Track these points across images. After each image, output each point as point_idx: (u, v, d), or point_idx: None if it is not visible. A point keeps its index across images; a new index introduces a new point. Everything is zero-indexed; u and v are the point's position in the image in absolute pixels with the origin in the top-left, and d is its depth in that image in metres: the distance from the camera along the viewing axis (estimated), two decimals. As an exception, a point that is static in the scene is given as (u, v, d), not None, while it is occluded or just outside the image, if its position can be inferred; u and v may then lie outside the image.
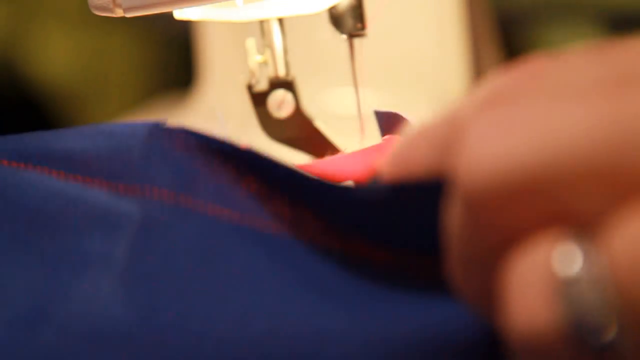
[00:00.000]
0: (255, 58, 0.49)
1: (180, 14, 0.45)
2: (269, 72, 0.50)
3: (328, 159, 0.46)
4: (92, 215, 0.34)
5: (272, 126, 0.50)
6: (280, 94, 0.50)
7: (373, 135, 0.52)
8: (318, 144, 0.50)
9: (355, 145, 0.50)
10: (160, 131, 0.35)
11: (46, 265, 0.33)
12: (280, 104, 0.50)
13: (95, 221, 0.34)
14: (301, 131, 0.50)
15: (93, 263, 0.33)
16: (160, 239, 0.33)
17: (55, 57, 1.13)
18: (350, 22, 0.47)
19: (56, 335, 0.30)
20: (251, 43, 0.49)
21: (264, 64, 0.49)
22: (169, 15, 0.45)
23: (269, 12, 0.46)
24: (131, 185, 0.34)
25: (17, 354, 0.30)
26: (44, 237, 0.34)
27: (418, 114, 0.67)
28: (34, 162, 0.37)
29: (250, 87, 0.50)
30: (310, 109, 0.51)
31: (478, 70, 0.73)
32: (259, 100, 0.50)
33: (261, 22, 0.48)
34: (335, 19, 0.48)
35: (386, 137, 0.45)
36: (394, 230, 0.31)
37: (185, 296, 0.31)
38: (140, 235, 0.33)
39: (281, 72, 0.49)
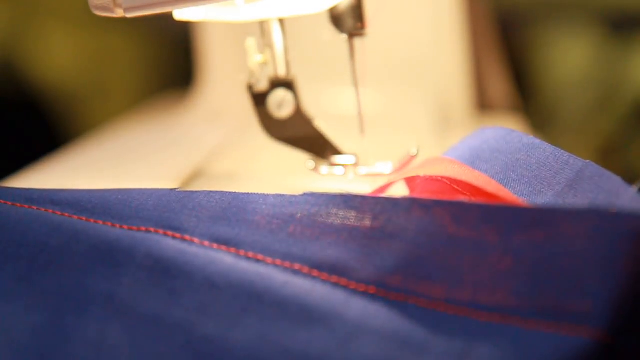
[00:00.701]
0: (255, 58, 0.49)
1: (180, 14, 0.45)
2: (269, 72, 0.50)
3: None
4: (96, 252, 0.34)
5: (272, 126, 0.50)
6: (280, 94, 0.50)
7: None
8: (318, 144, 0.50)
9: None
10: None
11: (49, 305, 0.33)
12: (281, 104, 0.50)
13: (98, 257, 0.34)
14: (301, 131, 0.50)
15: (95, 302, 0.33)
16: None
17: (55, 57, 1.13)
18: (350, 22, 0.47)
19: None
20: (251, 43, 0.49)
21: (264, 64, 0.49)
22: (169, 15, 0.45)
23: (269, 12, 0.46)
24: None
25: None
26: (47, 275, 0.34)
27: (418, 113, 0.67)
28: (38, 205, 0.37)
29: (250, 87, 0.50)
30: (310, 109, 0.51)
31: (478, 70, 0.73)
32: (259, 100, 0.50)
33: (261, 22, 0.48)
34: (335, 19, 0.47)
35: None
36: None
37: None
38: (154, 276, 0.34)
39: (281, 72, 0.49)
